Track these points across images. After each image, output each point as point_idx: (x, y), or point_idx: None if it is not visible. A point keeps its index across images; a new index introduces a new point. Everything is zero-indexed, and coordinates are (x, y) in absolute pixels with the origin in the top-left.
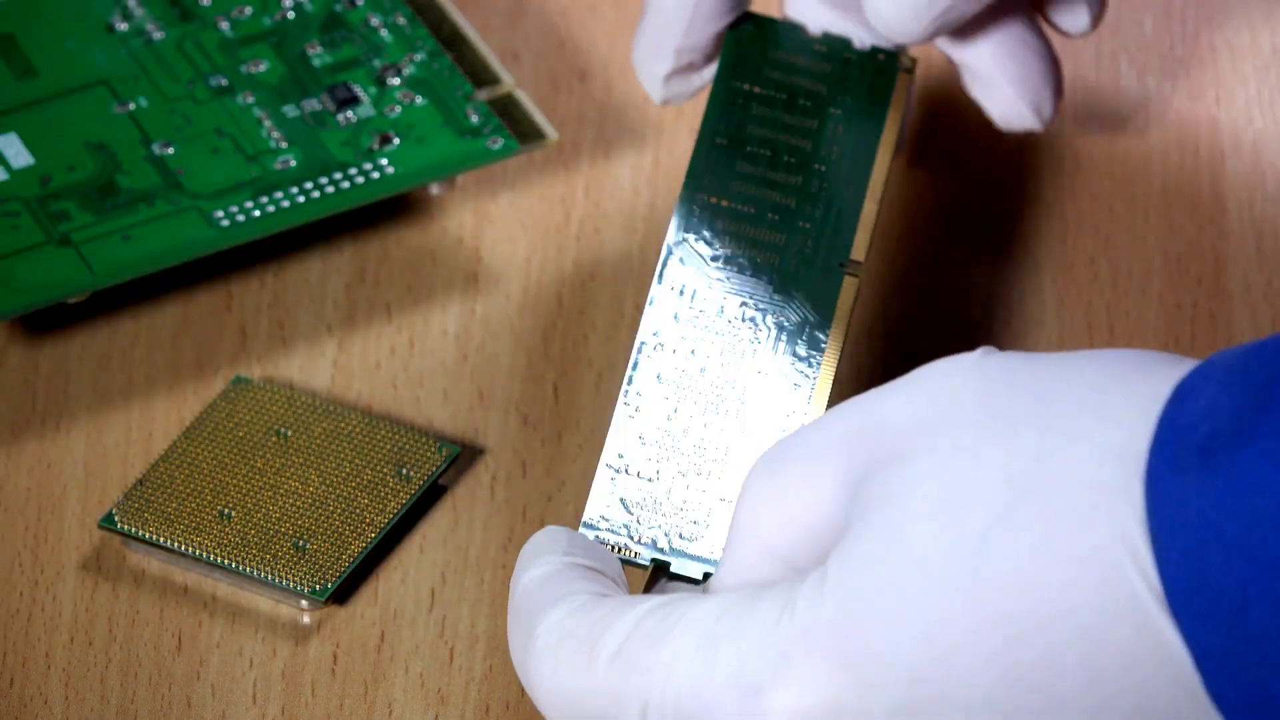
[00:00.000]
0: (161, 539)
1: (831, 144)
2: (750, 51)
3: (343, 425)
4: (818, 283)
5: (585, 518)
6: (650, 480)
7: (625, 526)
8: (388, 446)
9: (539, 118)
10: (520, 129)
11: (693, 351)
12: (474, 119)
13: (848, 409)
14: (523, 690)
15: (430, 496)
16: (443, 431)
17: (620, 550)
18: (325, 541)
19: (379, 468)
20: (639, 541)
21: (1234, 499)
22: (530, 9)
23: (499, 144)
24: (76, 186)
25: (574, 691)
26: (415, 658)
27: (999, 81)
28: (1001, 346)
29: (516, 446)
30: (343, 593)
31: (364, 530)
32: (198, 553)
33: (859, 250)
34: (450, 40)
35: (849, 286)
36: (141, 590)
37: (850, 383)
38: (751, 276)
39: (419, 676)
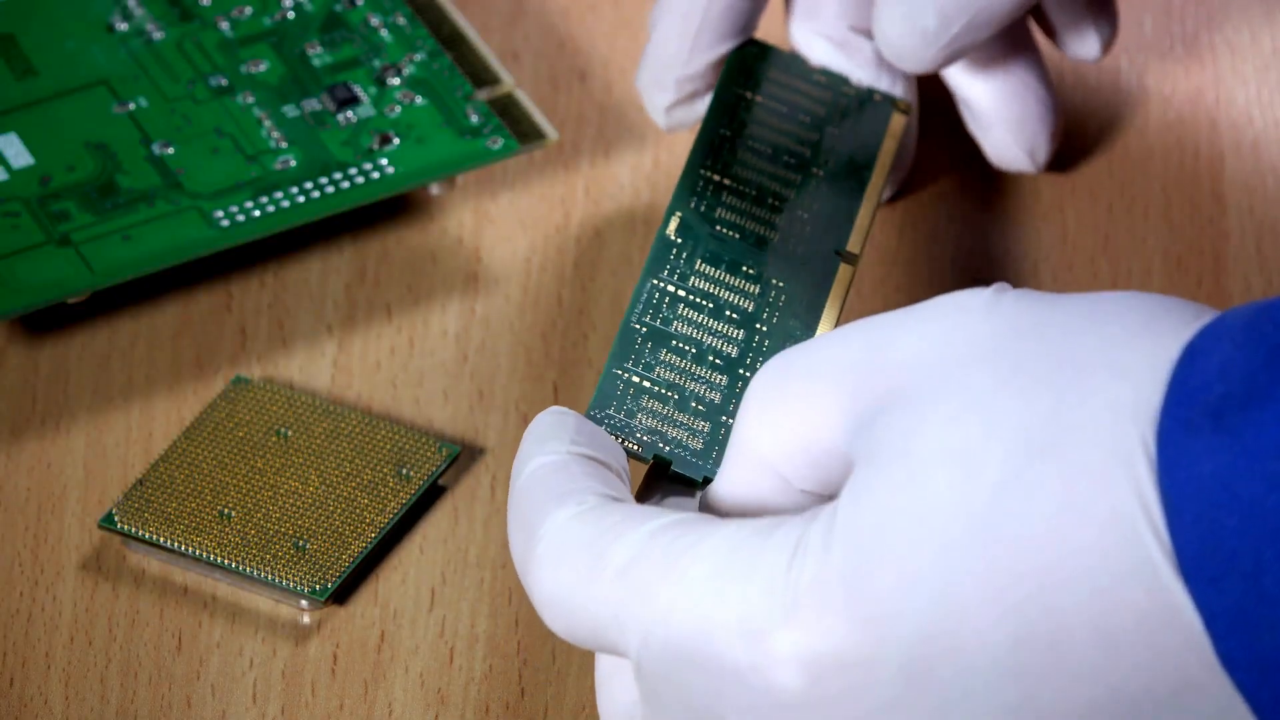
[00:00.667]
0: (161, 539)
1: (829, 156)
2: (752, 66)
3: (343, 425)
4: (815, 262)
5: (589, 412)
6: (654, 384)
7: (627, 423)
8: (388, 446)
9: (539, 118)
10: (520, 129)
11: (699, 299)
12: (474, 119)
13: (855, 333)
14: (523, 691)
15: (430, 496)
16: (443, 431)
17: (622, 442)
18: (325, 541)
19: (379, 468)
20: (641, 437)
21: (1248, 462)
22: (530, 9)
23: (499, 144)
24: (76, 186)
25: (574, 602)
26: (415, 658)
27: (996, 124)
28: None
29: (516, 446)
30: (343, 593)
31: (364, 530)
32: (198, 553)
33: (854, 245)
34: (450, 40)
35: (844, 271)
36: (141, 590)
37: None
38: (754, 246)
39: (419, 676)
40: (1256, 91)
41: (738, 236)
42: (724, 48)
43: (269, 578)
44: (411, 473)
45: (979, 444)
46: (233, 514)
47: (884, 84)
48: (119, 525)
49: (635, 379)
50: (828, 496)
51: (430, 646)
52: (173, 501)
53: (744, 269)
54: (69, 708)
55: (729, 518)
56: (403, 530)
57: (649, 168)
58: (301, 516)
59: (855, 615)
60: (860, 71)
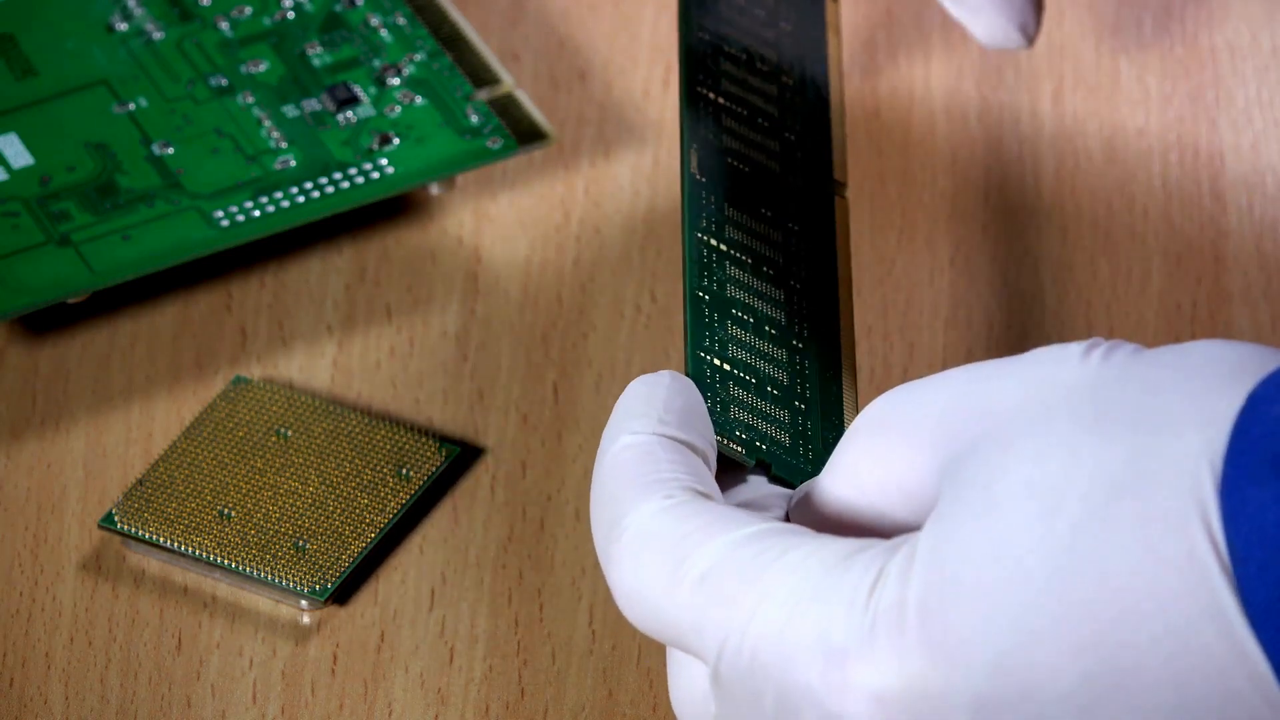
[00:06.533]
0: (161, 539)
1: (789, 59)
2: None
3: (343, 425)
4: (813, 194)
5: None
6: (733, 367)
7: (724, 417)
8: (388, 446)
9: (539, 118)
10: (520, 129)
11: (738, 254)
12: (474, 119)
13: (953, 382)
14: (523, 691)
15: (430, 496)
16: (443, 431)
17: (726, 443)
18: (325, 541)
19: (379, 468)
20: (740, 436)
21: None
22: (530, 9)
23: (499, 144)
24: (76, 186)
25: (654, 602)
26: (415, 658)
27: (984, 6)
28: (1003, 348)
29: (516, 446)
30: (343, 593)
31: (364, 530)
32: (198, 553)
33: (839, 170)
34: (450, 40)
35: (840, 207)
36: (141, 590)
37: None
38: (762, 179)
39: (419, 676)
40: (1256, 91)
41: (747, 169)
42: None
43: (269, 578)
44: (411, 473)
45: (1059, 482)
46: (233, 514)
47: None
48: (119, 525)
49: (716, 361)
50: (916, 526)
51: (430, 646)
52: (173, 501)
53: (763, 211)
54: (69, 708)
55: (812, 534)
56: (403, 530)
57: (649, 168)
58: (301, 516)
59: (930, 643)
60: None
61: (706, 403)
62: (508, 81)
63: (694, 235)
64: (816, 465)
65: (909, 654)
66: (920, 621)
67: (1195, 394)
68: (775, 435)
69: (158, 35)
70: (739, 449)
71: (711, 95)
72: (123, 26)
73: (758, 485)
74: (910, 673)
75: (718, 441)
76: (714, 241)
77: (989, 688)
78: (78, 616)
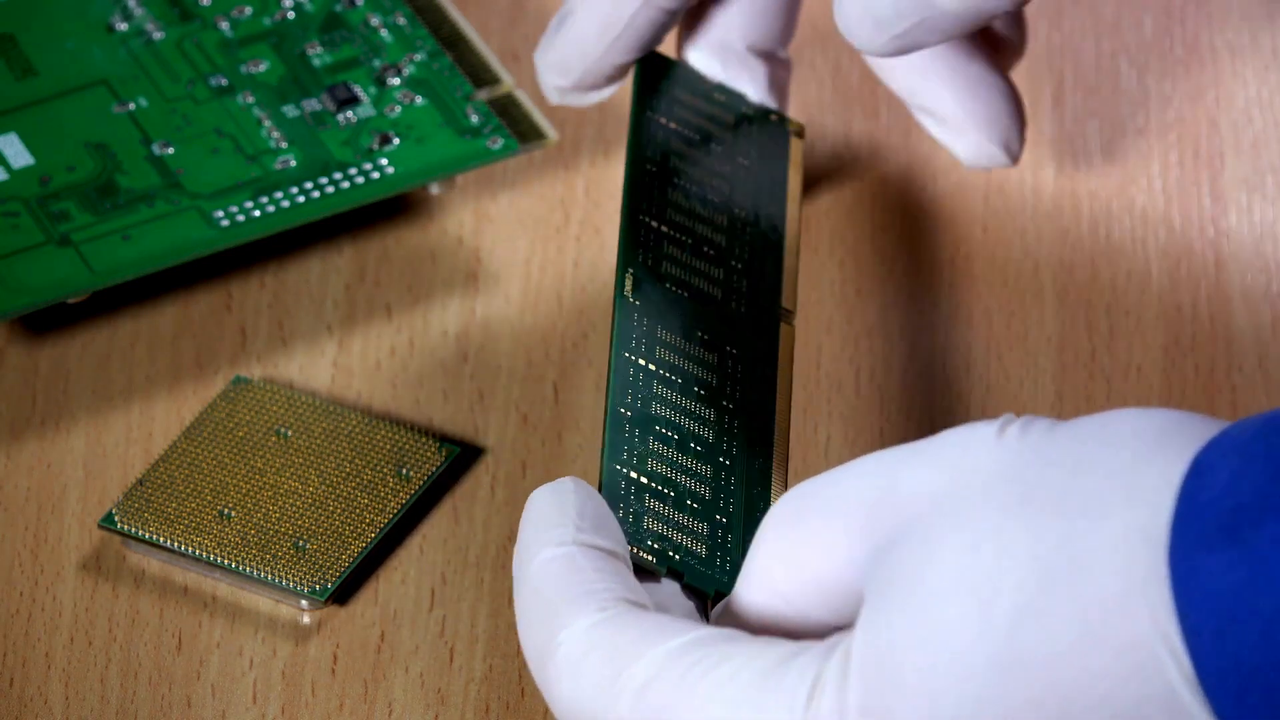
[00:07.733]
0: (161, 539)
1: (744, 192)
2: (661, 87)
3: (343, 425)
4: (758, 321)
5: None
6: (651, 480)
7: (637, 528)
8: (388, 446)
9: (539, 118)
10: (520, 129)
11: (668, 374)
12: (474, 119)
13: (869, 469)
14: (523, 691)
15: (430, 496)
16: (443, 431)
17: (636, 552)
18: (325, 541)
19: (379, 468)
20: (652, 545)
21: (1266, 575)
22: (530, 9)
23: (499, 144)
24: (76, 186)
25: (594, 716)
26: (415, 658)
27: (965, 125)
28: (1003, 349)
29: (516, 446)
30: (343, 593)
31: (364, 530)
32: (198, 553)
33: (788, 299)
34: (450, 40)
35: (786, 334)
36: (141, 590)
37: (848, 385)
38: (701, 306)
39: (419, 676)
40: (1256, 91)
41: (686, 295)
42: (635, 55)
43: (269, 578)
44: (411, 473)
45: (992, 573)
46: (233, 514)
47: (774, 106)
48: (119, 525)
49: (634, 474)
50: (839, 625)
51: (430, 646)
52: (173, 501)
53: (699, 334)
54: (69, 708)
55: (748, 638)
56: (403, 530)
57: None
58: (301, 516)
59: None
60: (752, 89)
61: (619, 512)
62: (508, 81)
63: (622, 356)
64: (734, 577)
65: None
66: None
67: (1120, 470)
68: (691, 546)
69: (158, 35)
70: (651, 558)
71: (655, 224)
72: (123, 26)
73: (672, 590)
74: None
75: (630, 550)
76: (642, 361)
77: None
78: (78, 616)
